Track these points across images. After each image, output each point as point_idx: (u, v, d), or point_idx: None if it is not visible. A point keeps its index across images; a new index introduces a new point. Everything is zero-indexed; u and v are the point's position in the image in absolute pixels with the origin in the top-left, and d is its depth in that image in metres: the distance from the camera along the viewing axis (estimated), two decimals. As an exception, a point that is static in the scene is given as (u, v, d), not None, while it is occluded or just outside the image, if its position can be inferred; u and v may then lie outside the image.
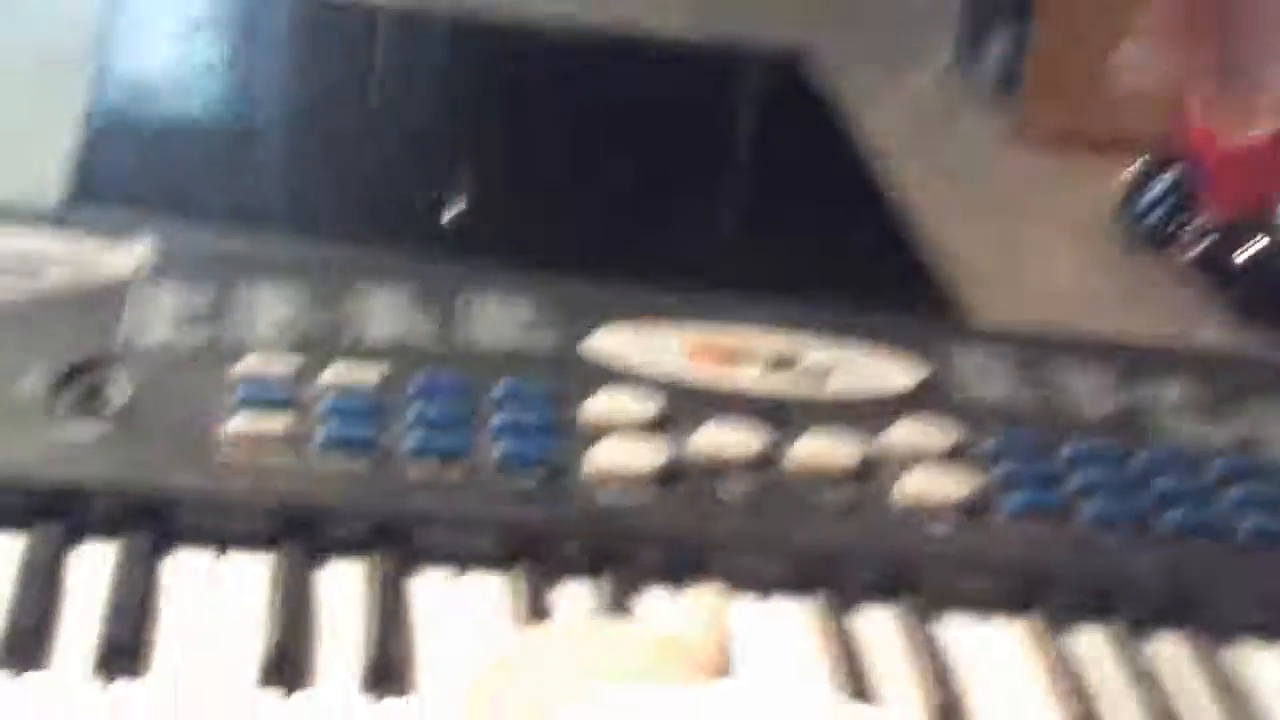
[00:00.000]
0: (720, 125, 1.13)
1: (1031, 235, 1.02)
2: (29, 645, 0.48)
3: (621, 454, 0.60)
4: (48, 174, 0.87)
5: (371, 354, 0.63)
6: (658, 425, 0.62)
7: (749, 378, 0.67)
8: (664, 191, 0.99)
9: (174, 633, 0.50)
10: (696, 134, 1.09)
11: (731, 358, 0.68)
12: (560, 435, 0.60)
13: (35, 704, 0.47)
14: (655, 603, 0.56)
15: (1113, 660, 0.57)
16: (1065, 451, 0.64)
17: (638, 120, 1.10)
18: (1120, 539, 0.61)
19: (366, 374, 0.61)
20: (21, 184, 0.86)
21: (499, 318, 0.67)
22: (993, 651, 0.56)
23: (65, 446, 0.55)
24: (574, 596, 0.55)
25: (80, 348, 0.61)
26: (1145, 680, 0.55)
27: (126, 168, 0.90)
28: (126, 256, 0.67)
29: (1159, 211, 1.01)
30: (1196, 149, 1.03)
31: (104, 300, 0.64)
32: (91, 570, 0.52)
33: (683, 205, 0.98)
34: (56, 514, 0.53)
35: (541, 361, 0.65)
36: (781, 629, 0.56)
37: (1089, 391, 0.69)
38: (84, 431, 0.56)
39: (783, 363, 0.68)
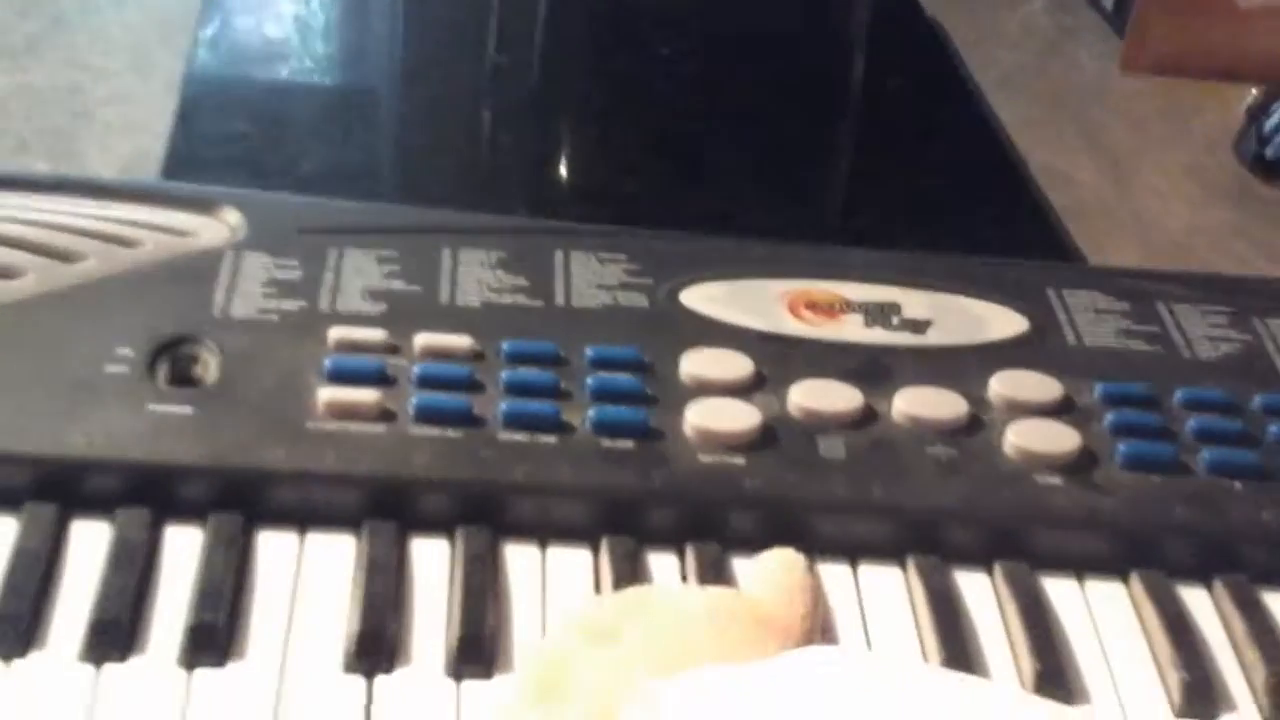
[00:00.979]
0: (825, 65, 1.11)
1: (1146, 168, 0.99)
2: (116, 633, 0.48)
3: (719, 414, 0.59)
4: (149, 140, 0.87)
5: (462, 320, 0.62)
6: (756, 382, 0.61)
7: (849, 330, 0.65)
8: (765, 138, 0.97)
9: (262, 615, 0.50)
10: (801, 76, 1.07)
11: (829, 310, 0.66)
12: (656, 397, 0.59)
13: (123, 691, 0.47)
14: (738, 569, 0.54)
15: (1233, 620, 0.54)
16: (1178, 397, 0.62)
17: (741, 64, 1.08)
18: (1240, 489, 0.58)
19: (458, 341, 0.61)
20: (125, 153, 0.87)
21: (590, 277, 0.66)
22: (1103, 611, 0.55)
23: (158, 423, 0.55)
24: (667, 567, 0.54)
25: (174, 320, 0.60)
26: (1267, 640, 0.53)
27: (220, 137, 0.90)
28: (220, 227, 0.67)
29: (1281, 139, 0.97)
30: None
31: (198, 271, 0.64)
32: (181, 552, 0.52)
33: (784, 152, 0.96)
34: (149, 494, 0.53)
35: (636, 321, 0.64)
36: (882, 591, 0.54)
37: (1204, 332, 0.67)
38: (177, 407, 0.56)
39: (883, 313, 0.66)
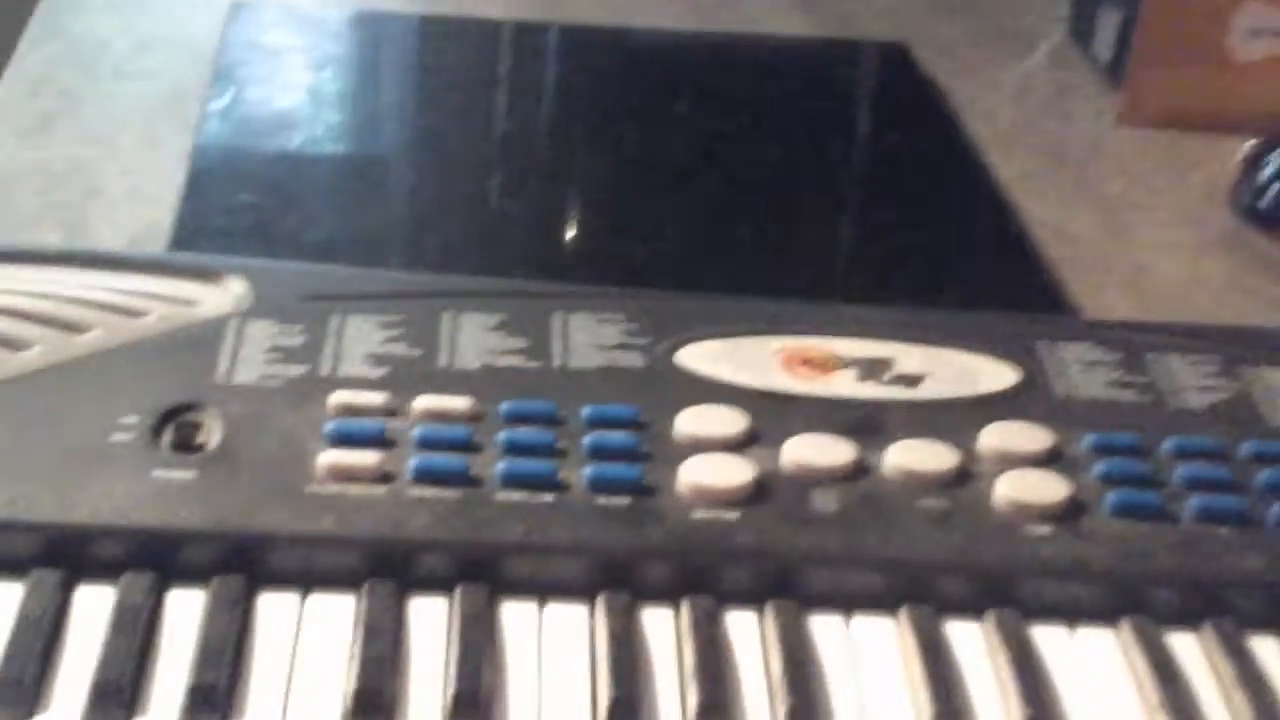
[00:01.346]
0: (823, 122, 1.13)
1: (1142, 220, 1.01)
2: (118, 695, 0.49)
3: (712, 470, 0.60)
4: (158, 212, 0.89)
5: (462, 382, 0.63)
6: (750, 438, 0.62)
7: (842, 385, 0.66)
8: (763, 197, 0.99)
9: (263, 675, 0.51)
10: (799, 133, 1.09)
11: (824, 366, 0.67)
12: (651, 454, 0.60)
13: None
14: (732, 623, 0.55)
15: (1220, 665, 0.55)
16: (1167, 446, 0.63)
17: (739, 123, 1.09)
18: (1227, 536, 0.59)
19: (456, 403, 0.62)
20: (133, 226, 0.88)
21: (588, 338, 0.67)
22: (1092, 658, 0.55)
23: (162, 489, 0.56)
24: (663, 621, 0.55)
25: (178, 388, 0.62)
26: (1254, 684, 0.54)
27: (228, 207, 0.91)
28: (224, 295, 0.68)
29: (1275, 189, 0.98)
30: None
31: (202, 340, 0.65)
32: (183, 615, 0.53)
33: (783, 210, 0.98)
34: (151, 559, 0.54)
35: (632, 380, 0.65)
36: (875, 642, 0.55)
37: (1194, 381, 0.68)
38: (180, 473, 0.57)
39: (876, 368, 0.67)
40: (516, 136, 1.08)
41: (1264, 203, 0.98)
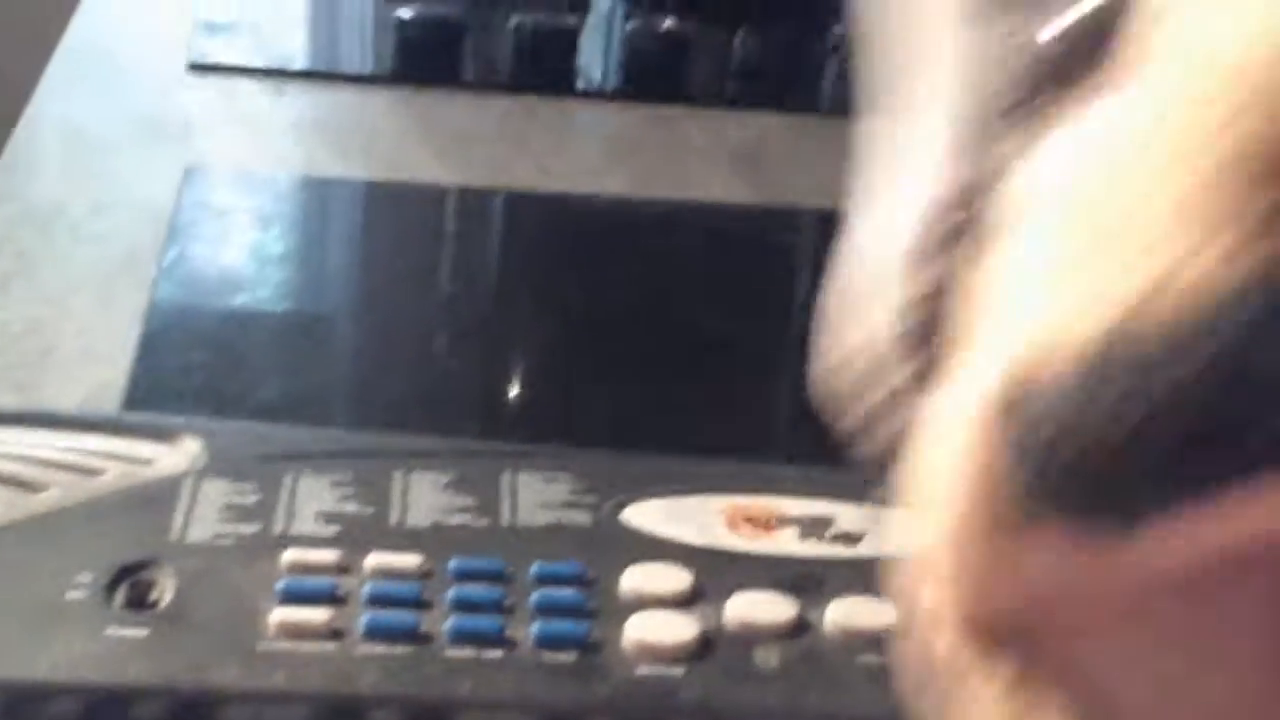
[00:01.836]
0: (765, 285, 1.15)
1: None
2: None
3: (657, 627, 0.61)
4: (112, 372, 0.90)
5: (412, 540, 0.65)
6: (694, 595, 0.63)
7: (785, 543, 0.68)
8: (708, 356, 1.01)
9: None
10: (741, 296, 1.11)
11: (767, 524, 0.69)
12: (597, 611, 0.62)
13: None
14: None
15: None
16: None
17: (686, 282, 1.12)
18: None
19: (406, 561, 0.63)
20: (86, 386, 0.89)
21: (536, 496, 0.69)
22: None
23: (115, 647, 0.57)
24: (608, 775, 0.56)
25: (132, 546, 0.63)
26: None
27: (181, 366, 0.93)
28: (179, 454, 0.70)
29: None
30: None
31: (156, 499, 0.66)
32: (137, 770, 0.54)
33: (728, 370, 1.00)
34: (105, 716, 0.55)
35: (579, 537, 0.67)
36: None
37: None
38: (133, 631, 0.58)
39: (817, 526, 0.69)
40: (463, 298, 1.10)
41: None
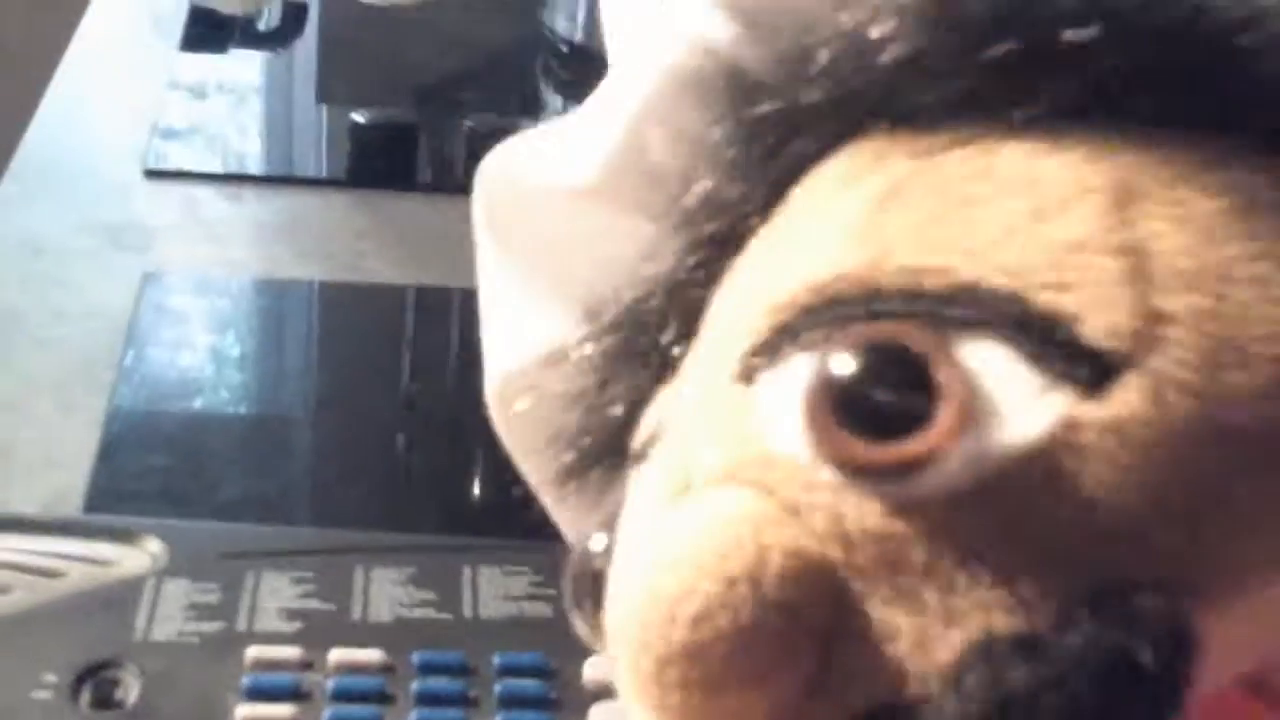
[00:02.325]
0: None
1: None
2: None
3: (618, 716, 0.61)
4: (72, 476, 0.91)
5: (374, 634, 0.65)
6: (655, 684, 0.64)
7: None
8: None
9: None
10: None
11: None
12: (559, 701, 0.63)
13: None
14: None
15: None
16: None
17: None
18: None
19: (369, 655, 0.64)
20: (47, 489, 0.90)
21: (497, 589, 0.69)
22: None
23: (81, 746, 0.58)
24: None
25: (97, 646, 0.63)
26: None
27: (141, 468, 0.93)
28: (141, 555, 0.70)
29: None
30: None
31: (119, 599, 0.67)
32: None
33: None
34: (71, 814, 0.55)
35: (540, 629, 0.67)
36: None
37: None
38: (99, 730, 0.59)
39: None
40: (422, 395, 1.11)
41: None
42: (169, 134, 1.57)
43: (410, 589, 0.69)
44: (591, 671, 0.64)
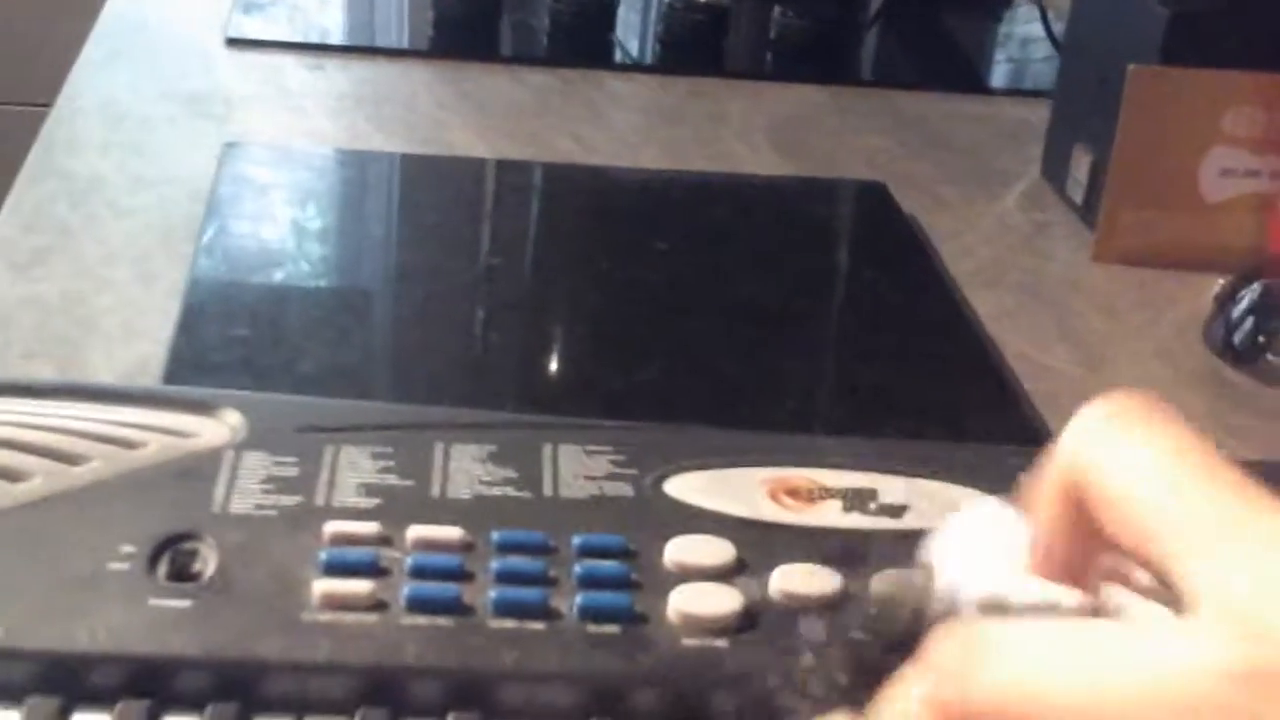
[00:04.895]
0: (805, 257, 1.15)
1: (1119, 355, 1.02)
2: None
3: (701, 599, 0.61)
4: (152, 346, 0.90)
5: (453, 512, 0.64)
6: (737, 567, 0.63)
7: (828, 515, 0.67)
8: (748, 331, 1.00)
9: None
10: (781, 268, 1.11)
11: (809, 496, 0.68)
12: (640, 583, 0.61)
13: None
14: None
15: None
16: (1147, 576, 0.64)
17: (726, 260, 1.11)
18: None
19: (448, 533, 0.63)
20: (127, 359, 0.89)
21: (577, 468, 0.68)
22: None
23: (158, 619, 0.57)
24: (652, 747, 0.56)
25: (175, 518, 0.63)
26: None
27: (221, 339, 0.93)
28: (220, 428, 0.70)
29: (1248, 326, 1.00)
30: (1286, 260, 1.03)
31: (198, 471, 0.66)
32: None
33: (767, 344, 0.99)
34: (147, 687, 0.55)
35: (621, 510, 0.66)
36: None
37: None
38: (176, 602, 0.58)
39: (861, 498, 0.68)
40: (502, 270, 1.09)
41: (1237, 339, 1.00)
42: (250, 4, 1.55)
43: (490, 466, 0.68)
44: (673, 553, 0.63)
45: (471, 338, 1.01)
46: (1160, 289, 1.12)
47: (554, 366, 0.98)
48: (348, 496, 0.65)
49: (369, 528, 0.63)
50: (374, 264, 1.12)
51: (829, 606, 0.61)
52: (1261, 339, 0.99)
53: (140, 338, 0.92)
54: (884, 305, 1.07)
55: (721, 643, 0.59)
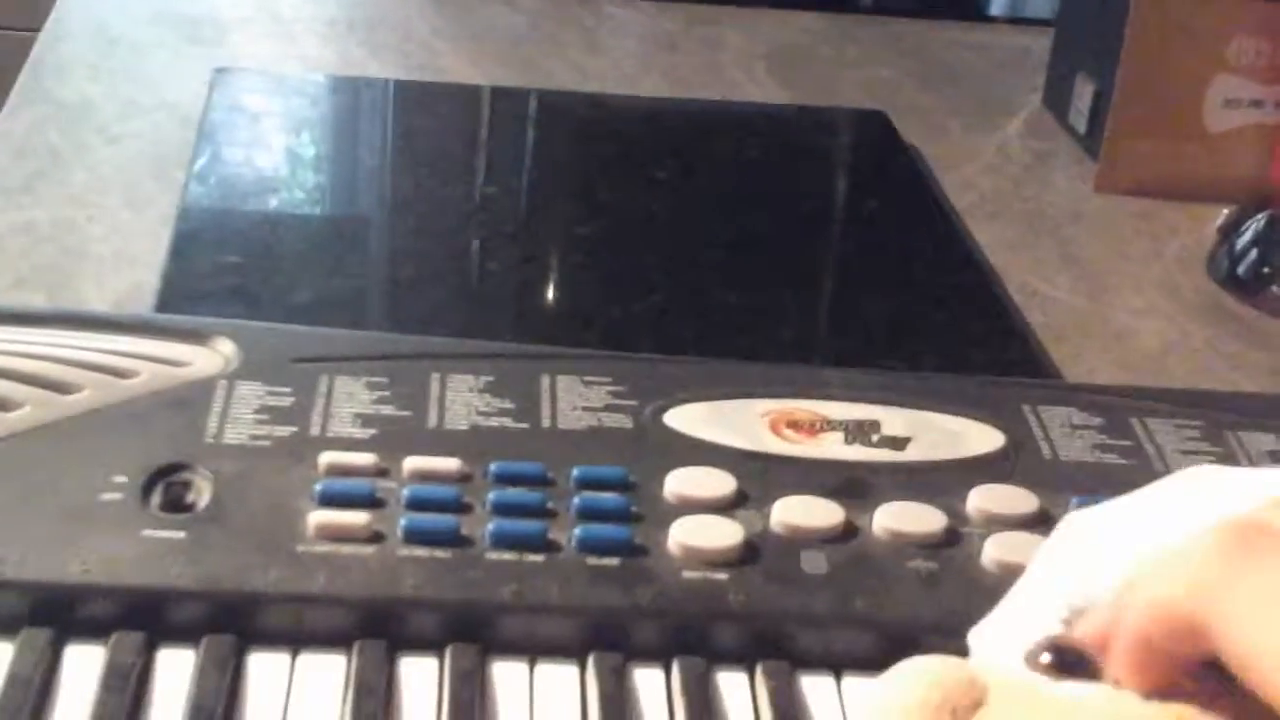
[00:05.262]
0: (805, 186, 1.13)
1: (1121, 286, 1.01)
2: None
3: (702, 531, 0.60)
4: (144, 274, 0.89)
5: (450, 443, 0.63)
6: (738, 500, 0.62)
7: (829, 447, 0.66)
8: (747, 261, 0.99)
9: (254, 734, 0.51)
10: (780, 197, 1.09)
11: (810, 428, 0.68)
12: (640, 515, 0.61)
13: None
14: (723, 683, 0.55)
15: None
16: (1153, 510, 0.63)
17: (724, 190, 1.10)
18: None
19: (445, 464, 0.62)
20: (119, 287, 0.88)
21: (575, 399, 0.67)
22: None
23: (152, 549, 0.56)
24: (653, 681, 0.55)
25: (168, 448, 0.62)
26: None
27: (214, 268, 0.91)
28: (213, 357, 0.68)
29: (1252, 256, 0.99)
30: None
31: (191, 400, 0.65)
32: (173, 675, 0.53)
33: (767, 274, 0.98)
34: (141, 618, 0.54)
35: (621, 441, 0.65)
36: (864, 704, 0.55)
37: (1177, 445, 0.68)
38: (170, 533, 0.57)
39: (863, 430, 0.68)
40: (498, 199, 1.08)
41: (1241, 269, 0.99)
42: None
43: (487, 397, 0.67)
44: (673, 485, 0.62)
45: (468, 267, 1.00)
46: (1163, 219, 1.11)
47: (551, 296, 0.97)
48: (343, 427, 0.64)
49: (365, 458, 0.62)
50: (368, 192, 1.10)
51: (832, 539, 0.61)
52: (1266, 270, 0.98)
53: (132, 265, 0.91)
54: (885, 235, 1.06)
55: (722, 575, 0.58)
